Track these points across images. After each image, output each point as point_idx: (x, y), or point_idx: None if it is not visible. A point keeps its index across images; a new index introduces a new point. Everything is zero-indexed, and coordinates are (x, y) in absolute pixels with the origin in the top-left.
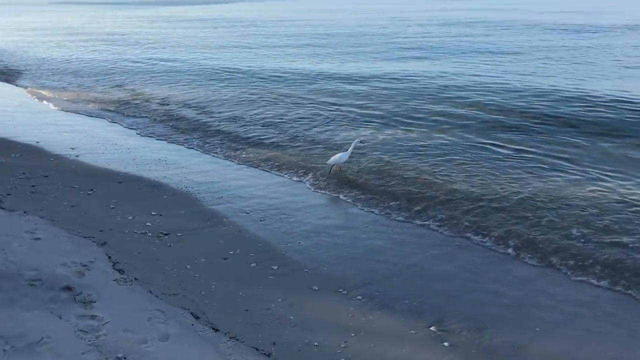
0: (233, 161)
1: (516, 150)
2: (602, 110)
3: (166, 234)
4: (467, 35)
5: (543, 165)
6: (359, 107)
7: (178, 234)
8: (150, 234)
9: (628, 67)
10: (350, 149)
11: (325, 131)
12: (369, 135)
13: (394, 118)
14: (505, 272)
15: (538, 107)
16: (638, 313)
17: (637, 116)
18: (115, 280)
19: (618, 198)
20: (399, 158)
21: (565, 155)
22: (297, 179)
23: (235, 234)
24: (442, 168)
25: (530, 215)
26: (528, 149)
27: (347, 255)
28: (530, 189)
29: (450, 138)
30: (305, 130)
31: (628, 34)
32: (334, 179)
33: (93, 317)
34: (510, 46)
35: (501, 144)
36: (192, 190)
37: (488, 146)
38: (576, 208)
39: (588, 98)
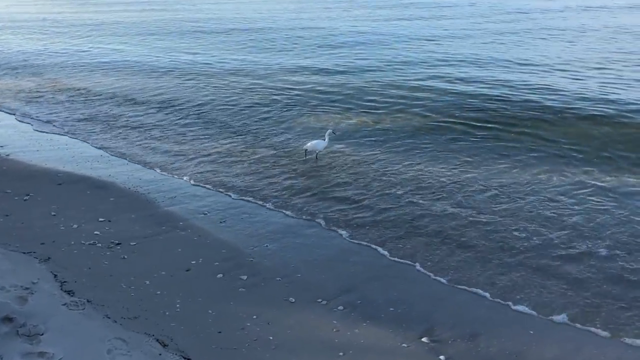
0: (184, 155)
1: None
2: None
3: (118, 244)
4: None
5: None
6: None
7: (131, 243)
8: (100, 245)
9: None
10: (327, 138)
11: (268, 123)
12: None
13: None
14: None
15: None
16: None
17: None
18: (64, 304)
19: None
20: (361, 149)
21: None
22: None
23: (194, 240)
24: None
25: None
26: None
27: (319, 258)
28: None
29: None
30: (253, 122)
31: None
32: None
33: (42, 354)
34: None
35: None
36: (142, 190)
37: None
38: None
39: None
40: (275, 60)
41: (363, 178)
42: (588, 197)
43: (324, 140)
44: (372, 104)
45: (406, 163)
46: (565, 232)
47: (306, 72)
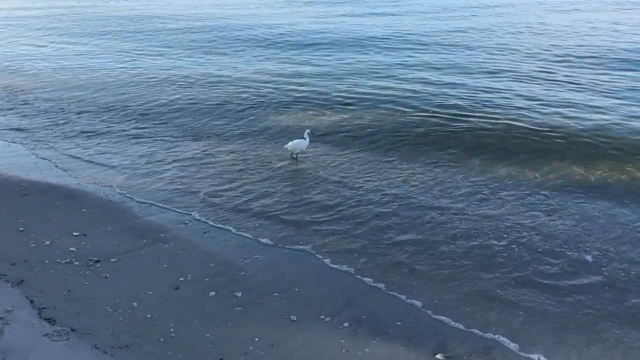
0: (155, 160)
1: None
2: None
3: (97, 261)
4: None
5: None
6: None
7: (112, 260)
8: (77, 263)
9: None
10: (307, 138)
11: (238, 125)
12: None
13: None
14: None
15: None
16: None
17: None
18: (46, 335)
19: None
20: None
21: None
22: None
23: (179, 254)
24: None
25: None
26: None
27: (314, 267)
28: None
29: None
30: (223, 124)
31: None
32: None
33: None
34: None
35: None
36: (116, 199)
37: None
38: None
39: None
40: (234, 60)
41: (343, 184)
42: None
43: (305, 139)
44: (345, 100)
45: (385, 163)
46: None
47: (268, 73)
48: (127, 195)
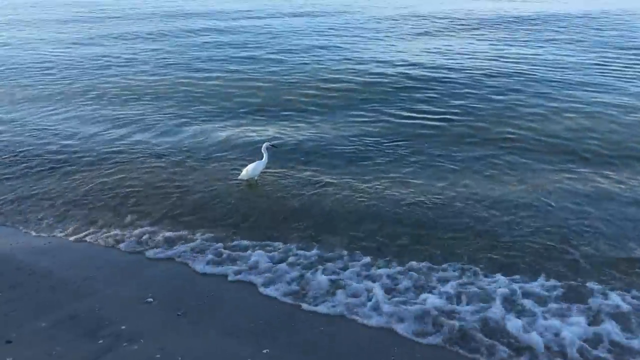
0: (73, 201)
1: None
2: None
3: None
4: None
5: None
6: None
7: None
8: None
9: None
10: (265, 156)
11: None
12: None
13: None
14: None
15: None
16: None
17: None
18: None
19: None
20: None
21: None
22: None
23: None
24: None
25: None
26: None
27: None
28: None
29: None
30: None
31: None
32: None
33: None
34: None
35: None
36: (39, 269)
37: None
38: None
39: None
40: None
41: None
42: None
43: (262, 158)
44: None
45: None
46: None
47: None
48: (47, 260)
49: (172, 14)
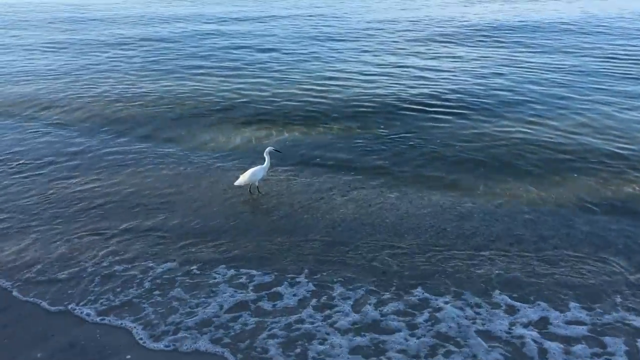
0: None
1: None
2: None
3: None
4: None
5: None
6: None
7: None
8: None
9: None
10: (266, 160)
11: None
12: None
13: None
14: None
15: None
16: None
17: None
18: None
19: None
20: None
21: None
22: None
23: None
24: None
25: None
26: None
27: None
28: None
29: None
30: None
31: None
32: None
33: None
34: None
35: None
36: None
37: None
38: None
39: None
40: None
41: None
42: None
43: (264, 164)
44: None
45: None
46: None
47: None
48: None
49: (154, 18)
